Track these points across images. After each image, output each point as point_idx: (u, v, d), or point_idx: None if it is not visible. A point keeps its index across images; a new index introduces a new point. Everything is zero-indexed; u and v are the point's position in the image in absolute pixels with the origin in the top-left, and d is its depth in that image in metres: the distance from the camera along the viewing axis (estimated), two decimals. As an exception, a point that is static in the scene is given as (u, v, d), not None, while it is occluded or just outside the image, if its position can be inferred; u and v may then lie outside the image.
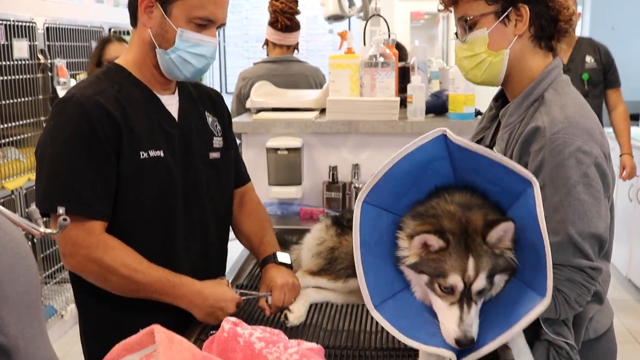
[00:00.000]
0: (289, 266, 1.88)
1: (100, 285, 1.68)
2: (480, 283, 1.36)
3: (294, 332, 1.71)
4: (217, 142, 1.91)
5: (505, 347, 1.53)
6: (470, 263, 1.36)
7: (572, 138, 1.48)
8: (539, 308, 1.30)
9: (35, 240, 3.89)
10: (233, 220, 2.04)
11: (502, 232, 1.36)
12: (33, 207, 1.08)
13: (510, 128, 1.62)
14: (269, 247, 1.92)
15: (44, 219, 1.63)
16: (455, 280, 1.37)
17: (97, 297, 1.76)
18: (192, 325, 1.71)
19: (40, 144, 1.68)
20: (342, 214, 1.96)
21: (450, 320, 1.37)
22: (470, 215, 1.40)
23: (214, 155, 1.89)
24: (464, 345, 1.35)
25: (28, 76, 3.85)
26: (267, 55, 4.15)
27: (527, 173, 1.34)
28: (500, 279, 1.41)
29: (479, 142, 1.80)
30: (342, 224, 1.88)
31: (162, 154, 1.73)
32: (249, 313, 1.84)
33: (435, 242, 1.38)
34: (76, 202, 1.61)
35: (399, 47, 3.19)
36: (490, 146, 1.71)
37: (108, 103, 1.65)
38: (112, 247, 1.64)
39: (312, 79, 4.09)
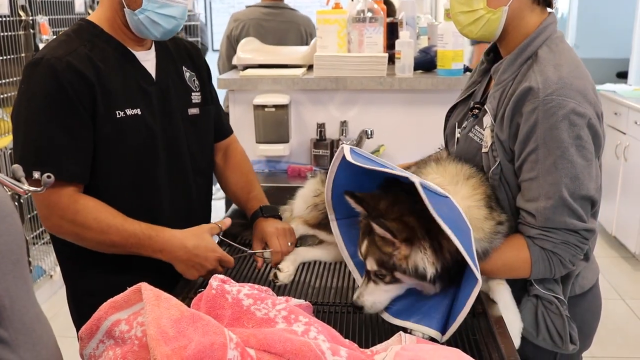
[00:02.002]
0: (278, 217, 1.88)
1: (79, 244, 1.68)
2: (370, 264, 1.41)
3: (282, 290, 1.72)
4: (196, 97, 1.89)
5: (492, 302, 1.55)
6: (364, 243, 1.42)
7: (565, 100, 1.46)
8: (474, 291, 1.29)
9: (22, 201, 3.87)
10: (219, 175, 2.04)
11: (381, 232, 1.35)
12: (17, 165, 1.06)
13: (503, 86, 1.60)
14: (255, 202, 1.93)
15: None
16: (358, 251, 1.45)
17: (80, 261, 1.77)
18: (179, 284, 1.71)
19: (14, 107, 1.66)
20: None
21: None
22: (393, 208, 1.40)
23: (193, 111, 1.87)
24: (355, 308, 1.46)
25: (9, 33, 3.76)
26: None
27: (404, 174, 1.32)
28: (406, 277, 1.38)
29: (469, 96, 1.79)
30: None
31: (139, 112, 1.71)
32: (237, 271, 1.84)
33: (355, 207, 1.43)
34: (49, 165, 1.59)
35: (387, 2, 3.14)
36: (482, 102, 1.69)
37: (80, 63, 1.62)
38: (83, 205, 1.63)
39: (304, 28, 4.06)
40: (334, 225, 1.55)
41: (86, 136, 1.63)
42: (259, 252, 1.79)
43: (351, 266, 1.57)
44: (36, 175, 1.58)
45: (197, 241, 1.68)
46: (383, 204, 1.40)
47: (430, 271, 1.35)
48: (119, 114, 1.67)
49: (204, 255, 1.67)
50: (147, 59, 1.78)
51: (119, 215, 1.65)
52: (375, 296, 1.43)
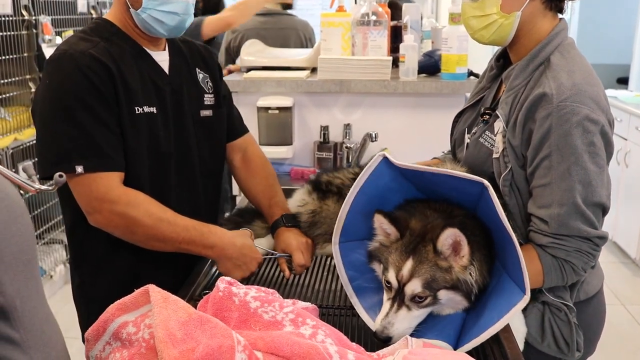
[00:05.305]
0: (298, 226, 1.85)
1: (127, 239, 1.66)
2: (412, 287, 1.33)
3: (287, 293, 1.72)
4: (209, 99, 1.88)
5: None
6: (408, 264, 1.34)
7: (579, 106, 1.46)
8: (520, 305, 1.28)
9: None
10: (239, 178, 2.03)
11: (451, 240, 1.31)
12: (28, 162, 1.05)
13: (515, 91, 1.59)
14: (277, 210, 1.89)
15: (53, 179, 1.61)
16: (390, 275, 1.36)
17: (95, 265, 1.79)
18: (184, 286, 1.71)
19: (38, 104, 1.64)
20: (317, 178, 1.93)
21: (380, 313, 1.38)
22: (437, 223, 1.37)
23: (205, 112, 1.87)
24: (380, 340, 1.34)
25: (12, 33, 3.75)
26: None
27: (476, 178, 1.29)
28: (449, 296, 1.35)
29: (478, 102, 1.79)
30: (321, 189, 1.87)
31: (154, 110, 1.71)
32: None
33: (388, 227, 1.38)
34: (93, 158, 1.59)
35: (391, 5, 3.14)
36: (492, 108, 1.69)
37: (102, 56, 1.62)
38: (134, 198, 1.62)
39: (302, 33, 4.05)
40: (335, 249, 1.49)
41: (116, 125, 1.63)
42: (282, 255, 1.77)
43: (349, 291, 1.50)
44: (79, 169, 1.56)
45: (244, 241, 1.70)
46: (414, 222, 1.39)
47: (476, 286, 1.34)
48: (138, 109, 1.67)
49: (250, 256, 1.69)
50: (161, 59, 1.78)
51: (168, 210, 1.65)
52: (406, 323, 1.35)
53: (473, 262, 1.34)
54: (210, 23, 3.62)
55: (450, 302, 1.37)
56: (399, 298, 1.35)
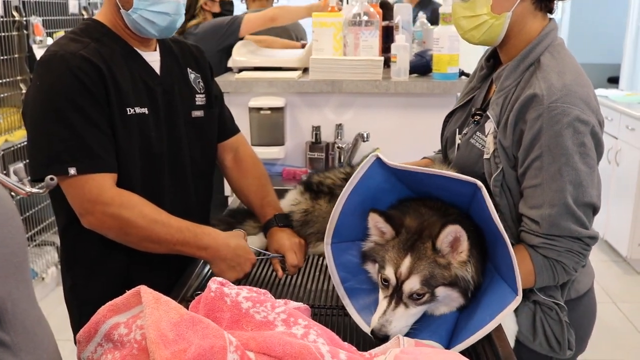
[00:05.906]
0: (290, 226, 1.85)
1: (121, 240, 1.66)
2: (411, 284, 1.33)
3: (279, 293, 1.72)
4: (200, 99, 1.88)
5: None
6: (406, 261, 1.34)
7: (570, 107, 1.47)
8: (512, 305, 1.28)
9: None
10: (230, 178, 2.03)
11: (451, 237, 1.31)
12: (20, 165, 1.06)
13: (505, 92, 1.60)
14: (269, 210, 1.90)
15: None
16: (388, 272, 1.36)
17: (87, 267, 1.78)
18: (176, 287, 1.70)
19: (28, 105, 1.63)
20: (308, 179, 1.93)
21: (377, 311, 1.37)
22: (434, 220, 1.38)
23: (197, 113, 1.86)
24: (377, 338, 1.34)
25: (3, 34, 3.74)
26: (247, 9, 4.10)
27: (469, 178, 1.29)
28: (446, 293, 1.35)
29: (468, 102, 1.79)
30: (313, 190, 1.87)
31: (146, 112, 1.70)
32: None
33: (383, 226, 1.38)
34: (84, 159, 1.58)
35: (383, 5, 3.15)
36: (483, 109, 1.70)
37: (93, 57, 1.62)
38: (127, 200, 1.62)
39: (294, 34, 4.05)
40: (327, 250, 1.49)
41: (107, 126, 1.62)
42: (275, 255, 1.78)
43: (341, 292, 1.50)
44: (72, 171, 1.55)
45: (238, 241, 1.70)
46: (409, 220, 1.39)
47: (472, 283, 1.34)
48: (130, 110, 1.67)
49: (245, 257, 1.69)
50: (152, 60, 1.78)
51: (162, 212, 1.65)
52: (403, 321, 1.34)
53: (470, 259, 1.34)
54: (251, 20, 3.51)
55: (447, 299, 1.37)
56: (397, 295, 1.35)
